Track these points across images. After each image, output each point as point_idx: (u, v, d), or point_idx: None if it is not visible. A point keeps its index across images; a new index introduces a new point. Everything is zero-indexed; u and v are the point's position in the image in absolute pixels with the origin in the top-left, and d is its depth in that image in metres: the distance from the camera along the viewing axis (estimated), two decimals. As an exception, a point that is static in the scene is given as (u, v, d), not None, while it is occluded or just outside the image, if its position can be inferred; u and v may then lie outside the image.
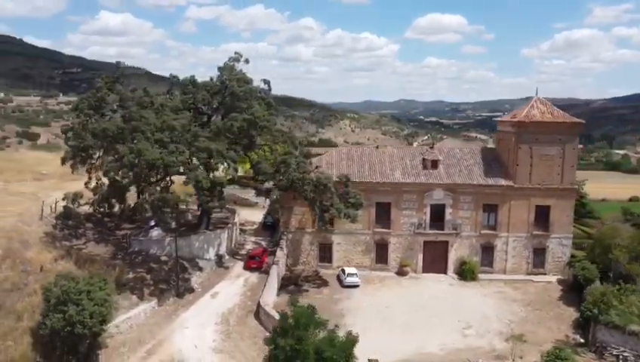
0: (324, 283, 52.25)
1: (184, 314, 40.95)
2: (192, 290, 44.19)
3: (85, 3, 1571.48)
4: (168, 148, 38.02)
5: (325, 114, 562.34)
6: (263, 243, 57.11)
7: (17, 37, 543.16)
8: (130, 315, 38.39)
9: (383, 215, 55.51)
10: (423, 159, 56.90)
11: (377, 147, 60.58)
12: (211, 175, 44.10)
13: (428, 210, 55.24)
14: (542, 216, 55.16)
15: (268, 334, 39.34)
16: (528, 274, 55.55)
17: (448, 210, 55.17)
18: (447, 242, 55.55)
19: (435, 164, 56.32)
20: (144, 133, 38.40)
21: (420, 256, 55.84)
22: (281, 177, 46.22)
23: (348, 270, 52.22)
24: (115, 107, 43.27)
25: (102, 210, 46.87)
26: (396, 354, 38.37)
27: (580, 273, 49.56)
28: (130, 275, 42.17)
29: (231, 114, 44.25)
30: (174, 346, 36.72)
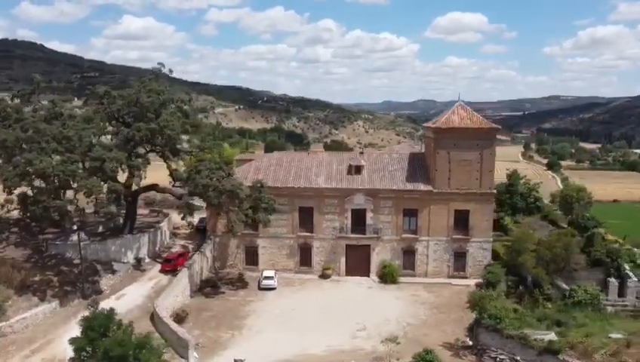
0: (244, 285, 54.11)
1: (82, 315, 43.06)
2: (99, 292, 46.44)
3: (109, 8, 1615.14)
4: (62, 158, 40.38)
5: (340, 115, 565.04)
6: (191, 246, 59.06)
7: (39, 42, 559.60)
8: (27, 316, 40.75)
9: (307, 219, 57.07)
10: (349, 165, 58.20)
11: (308, 153, 62.18)
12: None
13: (349, 214, 56.56)
14: (461, 221, 55.93)
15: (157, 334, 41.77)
16: (449, 277, 56.38)
17: (369, 215, 56.36)
18: (369, 246, 56.76)
19: (358, 169, 57.58)
20: (39, 143, 40.89)
21: (343, 260, 57.18)
22: (190, 183, 48.12)
23: (265, 273, 53.96)
24: (29, 117, 45.70)
25: (28, 215, 49.45)
26: (279, 355, 39.90)
27: (487, 276, 50.36)
28: (37, 278, 44.61)
29: (138, 123, 46.37)
30: (62, 345, 38.75)
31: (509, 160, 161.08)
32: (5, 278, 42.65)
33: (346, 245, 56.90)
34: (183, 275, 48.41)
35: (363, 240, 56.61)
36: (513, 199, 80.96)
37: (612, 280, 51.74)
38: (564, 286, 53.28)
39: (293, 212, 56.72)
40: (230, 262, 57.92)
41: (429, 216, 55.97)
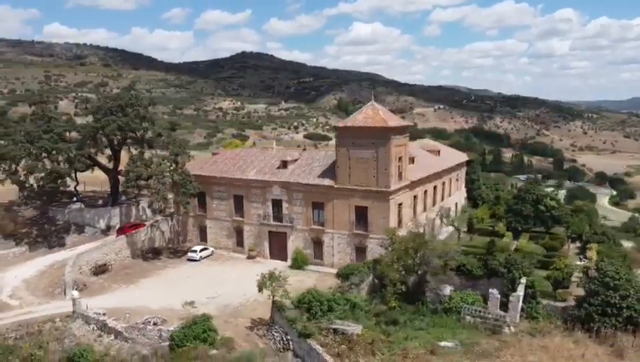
0: (183, 256, 65.57)
1: (38, 258, 60.53)
2: (63, 245, 63.59)
3: (340, 17, 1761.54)
4: (18, 146, 58.36)
5: (554, 115, 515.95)
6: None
7: (268, 53, 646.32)
8: (1, 253, 59.80)
9: (239, 206, 65.66)
10: (281, 160, 64.74)
11: (260, 149, 70.34)
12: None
13: (270, 204, 63.26)
14: (361, 217, 57.80)
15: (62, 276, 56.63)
16: (352, 270, 58.57)
17: (285, 205, 62.24)
18: (285, 233, 62.61)
19: (285, 164, 63.72)
20: (11, 135, 59.72)
21: (267, 244, 64.19)
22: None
23: (193, 248, 64.67)
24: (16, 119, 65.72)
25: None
26: (125, 304, 50.58)
27: (340, 269, 52.63)
28: (24, 230, 63.88)
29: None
30: (5, 274, 56.53)
31: None
32: (1, 228, 62.81)
33: (269, 231, 63.78)
34: (119, 240, 62.52)
35: (280, 228, 62.76)
36: (520, 205, 75.26)
37: (493, 291, 48.71)
38: (446, 292, 51.86)
39: (230, 199, 66.00)
40: (189, 238, 70.07)
41: (333, 210, 59.20)
